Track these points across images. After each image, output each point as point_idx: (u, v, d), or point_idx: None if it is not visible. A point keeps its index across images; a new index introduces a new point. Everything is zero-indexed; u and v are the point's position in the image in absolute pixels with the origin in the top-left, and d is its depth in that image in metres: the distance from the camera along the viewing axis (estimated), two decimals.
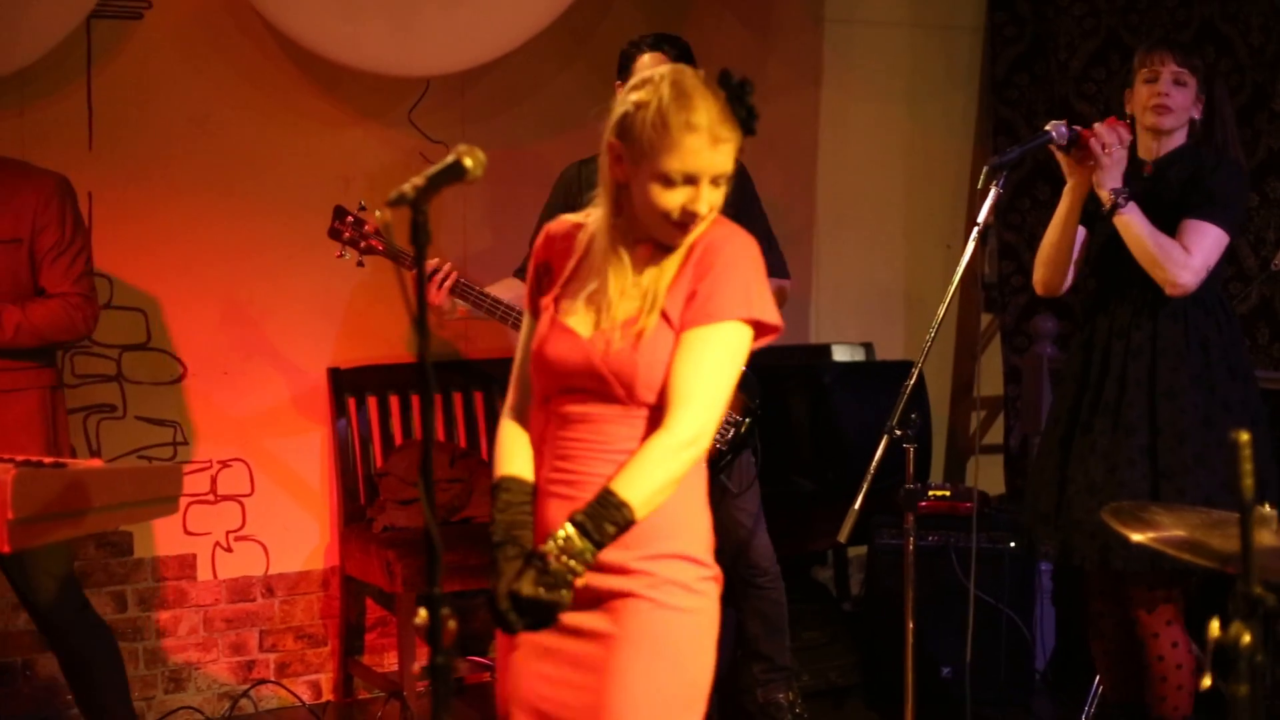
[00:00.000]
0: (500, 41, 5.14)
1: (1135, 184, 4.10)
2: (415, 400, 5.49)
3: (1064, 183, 4.19)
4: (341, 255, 4.68)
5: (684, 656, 2.76)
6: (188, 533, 5.21)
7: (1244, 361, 4.23)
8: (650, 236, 2.79)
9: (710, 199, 2.73)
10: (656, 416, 2.74)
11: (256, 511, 5.34)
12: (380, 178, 5.36)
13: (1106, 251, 4.23)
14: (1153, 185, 4.15)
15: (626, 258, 2.80)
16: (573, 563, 2.62)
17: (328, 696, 5.48)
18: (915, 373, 3.87)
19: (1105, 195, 4.05)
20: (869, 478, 3.79)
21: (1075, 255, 4.28)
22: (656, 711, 2.72)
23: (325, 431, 5.41)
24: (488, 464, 5.23)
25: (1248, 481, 2.02)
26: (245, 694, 5.32)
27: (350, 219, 4.69)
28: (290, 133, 5.31)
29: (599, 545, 2.63)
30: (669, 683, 2.73)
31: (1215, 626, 2.14)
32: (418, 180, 2.59)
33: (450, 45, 5.07)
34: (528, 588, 2.63)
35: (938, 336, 6.53)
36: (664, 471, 2.68)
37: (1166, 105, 4.10)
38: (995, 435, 6.59)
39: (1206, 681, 2.52)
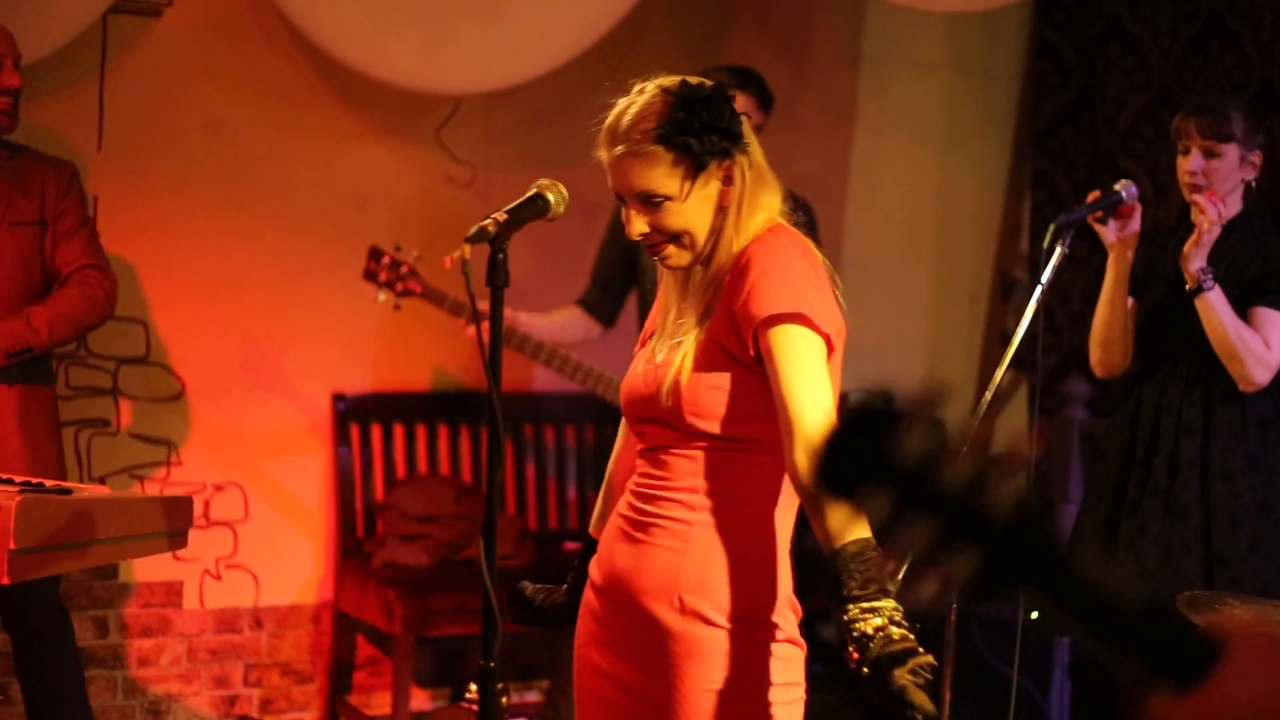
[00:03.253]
0: (536, 62, 4.92)
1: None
2: (421, 431, 5.25)
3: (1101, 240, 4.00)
4: (378, 299, 4.55)
5: None
6: (176, 558, 4.94)
7: None
8: None
9: (651, 221, 2.50)
10: (723, 448, 2.53)
11: (249, 539, 5.08)
12: (398, 197, 5.14)
13: (1155, 320, 4.04)
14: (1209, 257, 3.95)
15: (680, 282, 2.62)
16: (905, 628, 2.35)
17: None
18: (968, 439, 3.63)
19: (1191, 273, 3.84)
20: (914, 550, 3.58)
21: (1131, 328, 4.08)
22: None
23: (326, 459, 5.16)
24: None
25: None
26: None
27: (387, 260, 4.56)
28: (308, 145, 5.07)
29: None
30: None
31: None
32: (499, 215, 2.39)
33: (485, 63, 4.86)
34: (908, 677, 2.29)
35: (957, 394, 6.48)
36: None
37: (1195, 184, 3.90)
38: None
39: None
